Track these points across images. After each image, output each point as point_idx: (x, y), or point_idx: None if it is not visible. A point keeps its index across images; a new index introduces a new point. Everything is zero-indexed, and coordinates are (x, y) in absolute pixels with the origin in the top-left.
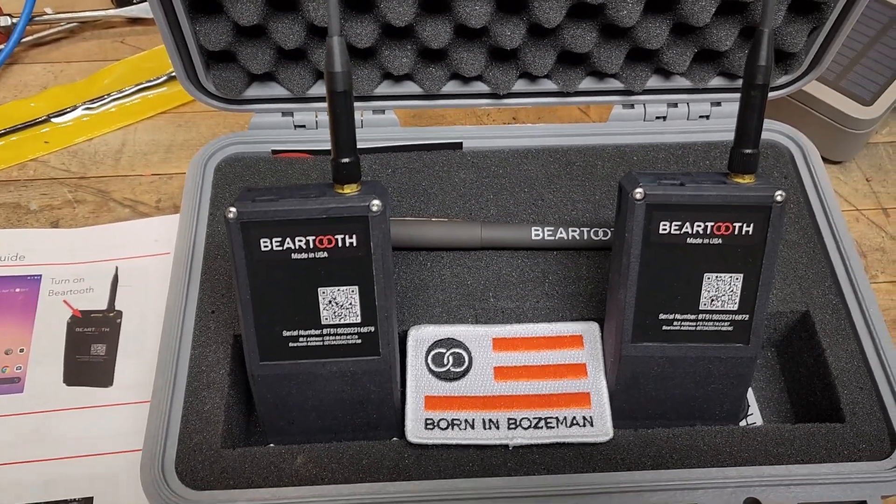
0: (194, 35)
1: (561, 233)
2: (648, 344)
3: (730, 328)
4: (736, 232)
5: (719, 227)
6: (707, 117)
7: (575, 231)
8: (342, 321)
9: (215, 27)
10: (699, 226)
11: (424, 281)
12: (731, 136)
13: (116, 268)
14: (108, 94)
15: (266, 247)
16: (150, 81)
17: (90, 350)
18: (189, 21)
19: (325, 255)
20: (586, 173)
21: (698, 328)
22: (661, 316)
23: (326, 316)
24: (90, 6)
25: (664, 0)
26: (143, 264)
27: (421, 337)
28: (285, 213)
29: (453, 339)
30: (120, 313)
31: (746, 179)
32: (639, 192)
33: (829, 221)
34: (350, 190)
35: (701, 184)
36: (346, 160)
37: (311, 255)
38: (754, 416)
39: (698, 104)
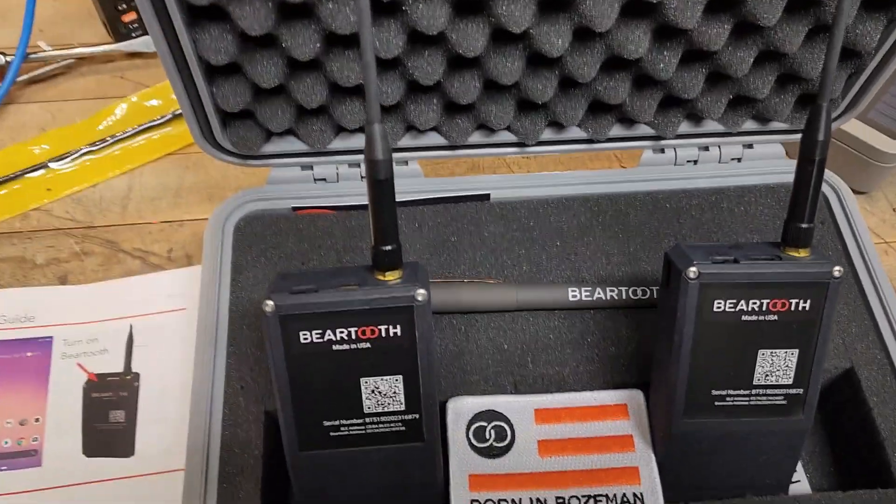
0: (211, 97)
1: (598, 293)
2: (700, 420)
3: (783, 402)
4: (792, 308)
5: (775, 303)
6: (739, 160)
7: (613, 290)
8: (385, 409)
9: (234, 88)
10: (755, 303)
11: (460, 347)
12: (764, 179)
13: (131, 326)
14: (112, 136)
15: (306, 339)
16: (155, 121)
17: (108, 417)
18: (206, 84)
19: (368, 345)
20: (619, 223)
21: (752, 402)
22: (714, 392)
23: (369, 405)
24: (87, 41)
25: (701, 51)
26: (158, 321)
27: (460, 409)
28: (326, 304)
29: (494, 410)
30: (137, 375)
31: (801, 253)
32: (692, 272)
33: (870, 271)
34: (392, 277)
35: (756, 260)
36: (387, 248)
37: (354, 346)
38: (799, 475)
39: (730, 147)
